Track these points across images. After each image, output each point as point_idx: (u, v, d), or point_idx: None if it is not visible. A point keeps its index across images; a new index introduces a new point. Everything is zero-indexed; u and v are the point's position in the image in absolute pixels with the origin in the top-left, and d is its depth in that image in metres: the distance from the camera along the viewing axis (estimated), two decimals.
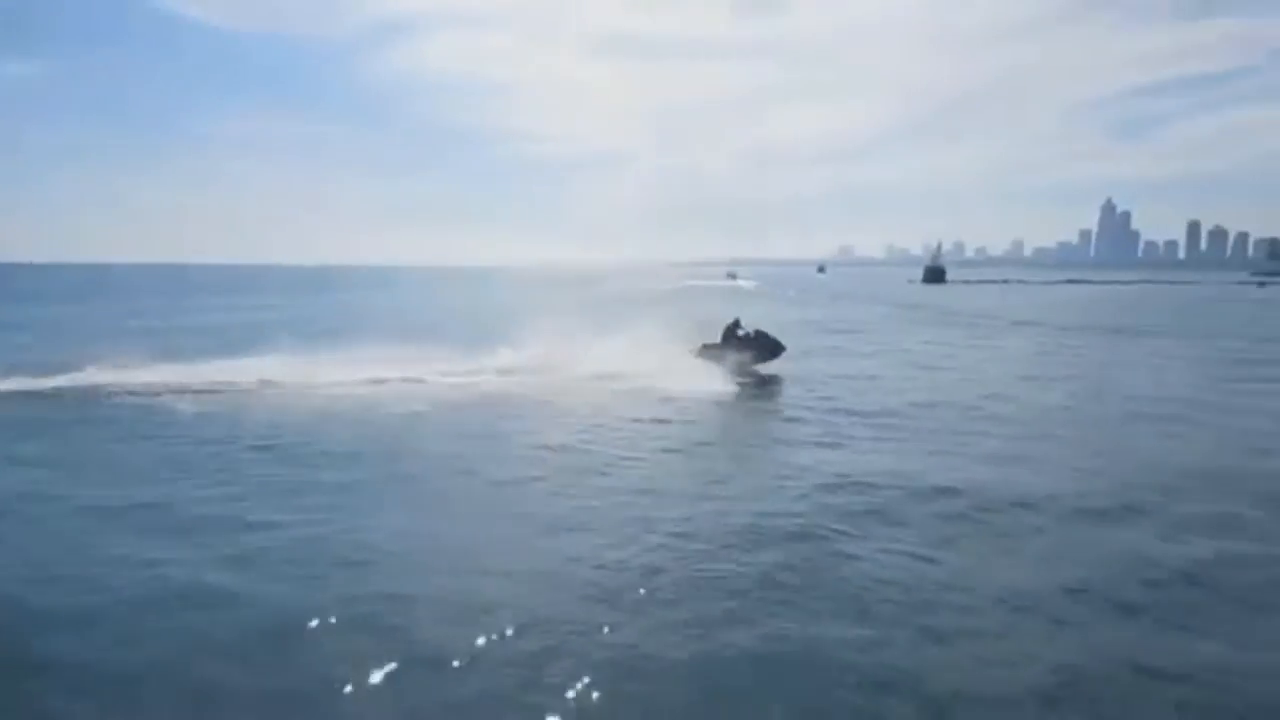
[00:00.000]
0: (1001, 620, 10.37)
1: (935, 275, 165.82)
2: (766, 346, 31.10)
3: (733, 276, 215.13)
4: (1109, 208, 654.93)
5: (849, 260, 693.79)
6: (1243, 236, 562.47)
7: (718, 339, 30.65)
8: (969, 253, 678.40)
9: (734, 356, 29.66)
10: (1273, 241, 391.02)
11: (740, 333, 30.92)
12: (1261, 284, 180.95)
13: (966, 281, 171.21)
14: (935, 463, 18.06)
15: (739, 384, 27.91)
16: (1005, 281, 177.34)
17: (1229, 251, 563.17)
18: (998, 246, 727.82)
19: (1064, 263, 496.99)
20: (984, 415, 24.06)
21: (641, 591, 10.94)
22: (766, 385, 29.11)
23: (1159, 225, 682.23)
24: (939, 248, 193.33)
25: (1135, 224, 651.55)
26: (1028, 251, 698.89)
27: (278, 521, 13.57)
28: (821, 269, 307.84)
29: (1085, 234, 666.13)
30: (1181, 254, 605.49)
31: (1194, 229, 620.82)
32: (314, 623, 9.84)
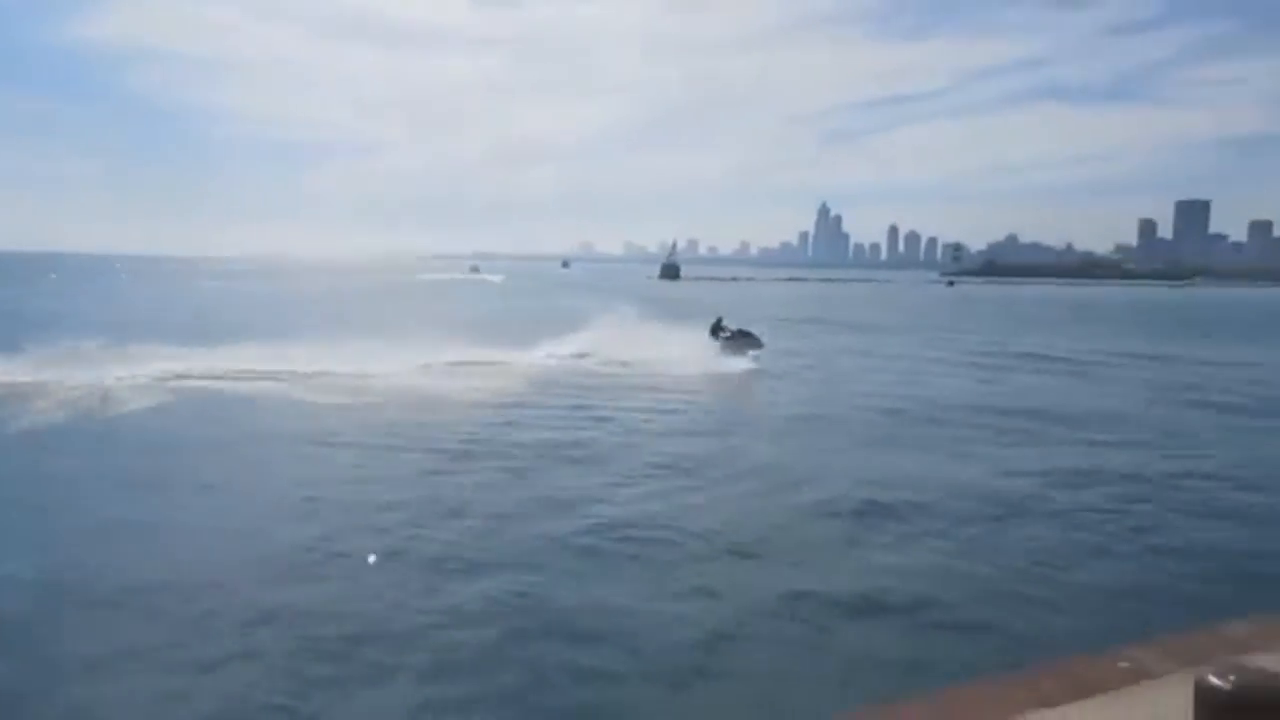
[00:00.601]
0: None
1: (671, 272, 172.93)
2: (750, 340, 36.94)
3: (476, 270, 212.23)
4: (824, 212, 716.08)
5: (590, 256, 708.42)
6: (933, 240, 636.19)
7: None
8: (701, 251, 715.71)
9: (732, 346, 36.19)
10: (956, 245, 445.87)
11: (723, 331, 37.22)
12: (950, 283, 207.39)
13: (700, 279, 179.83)
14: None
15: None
16: (735, 279, 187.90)
17: (922, 254, 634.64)
18: (727, 246, 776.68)
19: (786, 262, 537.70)
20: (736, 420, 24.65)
21: None
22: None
23: (866, 228, 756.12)
24: (674, 246, 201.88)
25: (846, 227, 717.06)
26: (754, 251, 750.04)
27: None
28: (566, 264, 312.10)
29: (804, 236, 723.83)
30: (884, 255, 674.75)
31: (893, 233, 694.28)
32: None
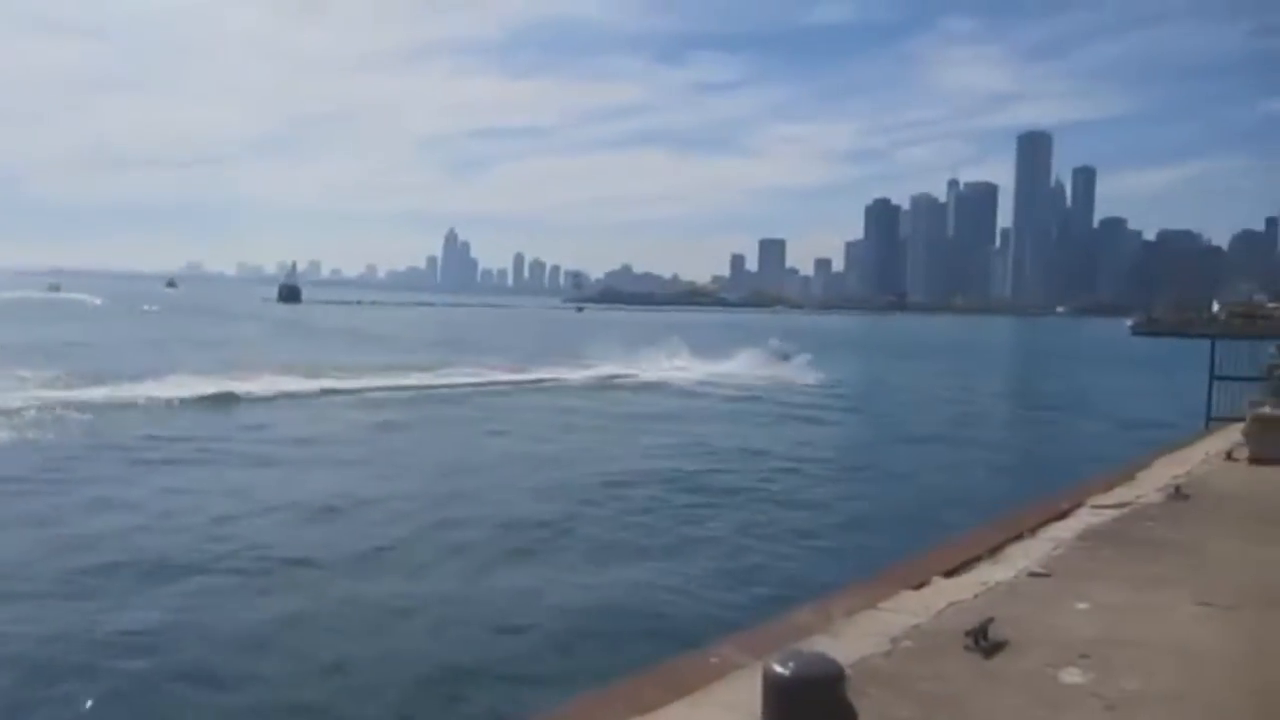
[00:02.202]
0: None
1: (290, 294, 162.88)
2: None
3: (56, 289, 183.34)
4: (452, 237, 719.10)
5: (198, 275, 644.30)
6: (556, 268, 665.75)
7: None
8: (325, 273, 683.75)
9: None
10: (577, 273, 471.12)
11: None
12: (580, 309, 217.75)
13: (323, 302, 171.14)
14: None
15: None
16: (359, 302, 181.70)
17: (546, 280, 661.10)
18: (353, 268, 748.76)
19: (414, 286, 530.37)
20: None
21: None
22: None
23: (493, 255, 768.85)
24: (293, 267, 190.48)
25: (474, 253, 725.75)
26: (381, 274, 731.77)
27: None
28: (172, 284, 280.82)
29: (432, 260, 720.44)
30: (510, 281, 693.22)
31: (519, 260, 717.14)
32: None
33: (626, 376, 45.63)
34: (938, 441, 30.56)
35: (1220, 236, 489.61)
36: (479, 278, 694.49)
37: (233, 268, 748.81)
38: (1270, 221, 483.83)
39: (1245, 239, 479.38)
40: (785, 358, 53.11)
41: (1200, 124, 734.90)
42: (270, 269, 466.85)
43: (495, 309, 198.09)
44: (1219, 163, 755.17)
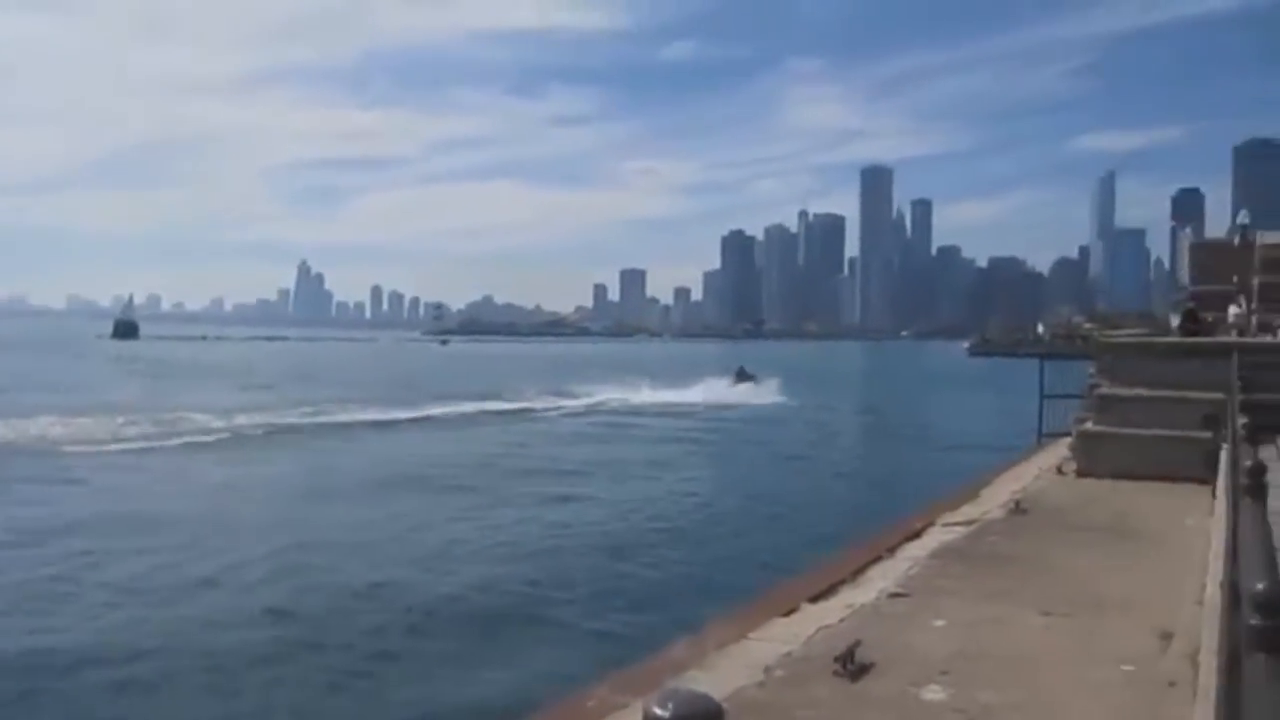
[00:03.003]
0: None
1: (127, 330, 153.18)
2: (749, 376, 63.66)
3: None
4: (305, 269, 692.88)
5: (23, 310, 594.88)
6: (415, 299, 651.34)
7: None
8: (166, 307, 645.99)
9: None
10: (438, 305, 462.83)
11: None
12: (444, 342, 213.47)
13: (164, 337, 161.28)
14: None
15: None
16: (204, 338, 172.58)
17: (405, 312, 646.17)
18: (198, 302, 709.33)
19: (265, 320, 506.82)
20: None
21: None
22: None
23: (349, 287, 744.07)
24: (130, 300, 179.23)
25: (329, 285, 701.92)
26: (229, 308, 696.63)
27: None
28: None
29: (284, 293, 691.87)
30: (368, 314, 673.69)
31: (376, 292, 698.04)
32: None
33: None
34: (802, 461, 31.74)
35: (1042, 263, 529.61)
36: (334, 310, 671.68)
37: (62, 301, 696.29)
38: (1082, 249, 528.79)
39: (1063, 265, 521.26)
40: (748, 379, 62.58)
41: (1019, 159, 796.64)
42: (105, 303, 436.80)
43: (353, 342, 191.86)
44: (1037, 195, 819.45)
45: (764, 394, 56.64)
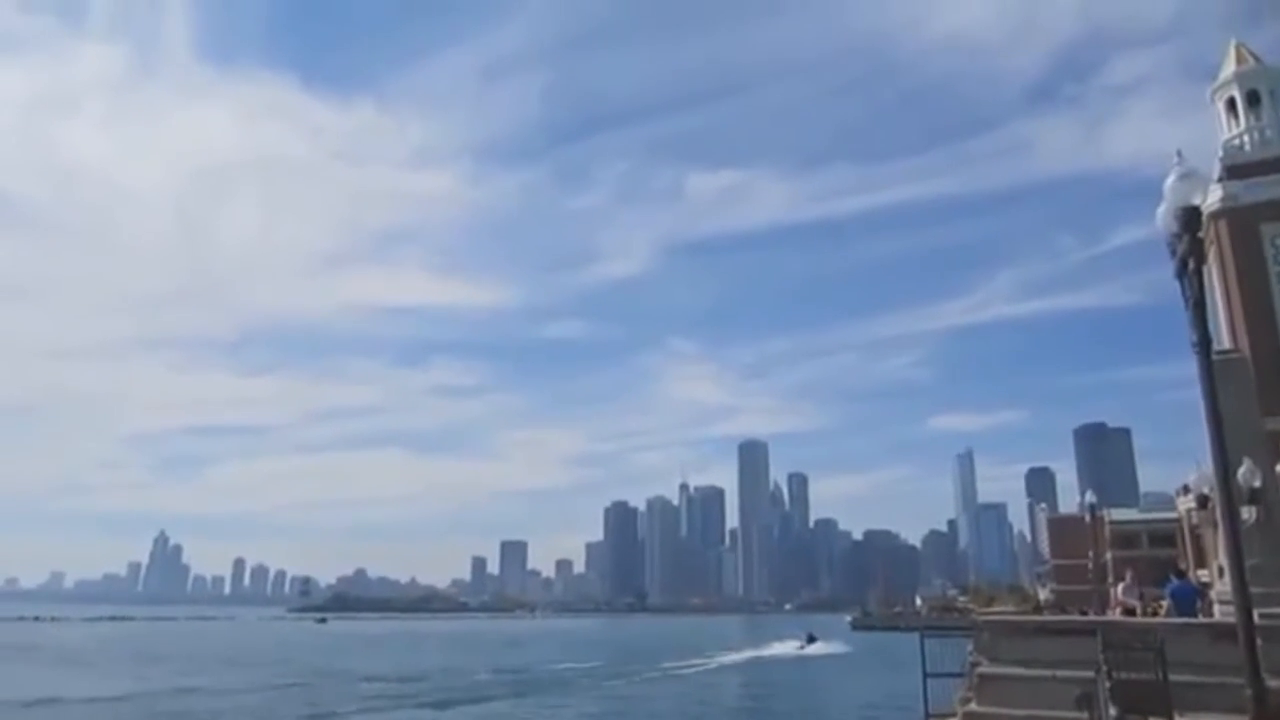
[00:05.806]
0: None
1: None
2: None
3: None
4: (162, 540, 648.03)
5: None
6: (281, 573, 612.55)
7: None
8: None
9: None
10: (306, 579, 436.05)
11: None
12: (322, 620, 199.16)
13: None
14: None
15: None
16: (36, 619, 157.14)
17: (269, 587, 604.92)
18: (34, 578, 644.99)
19: (111, 597, 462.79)
20: None
21: None
22: None
23: (209, 560, 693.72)
24: None
25: (186, 558, 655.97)
26: (70, 584, 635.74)
27: None
28: None
29: (135, 566, 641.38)
30: (228, 588, 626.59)
31: (239, 565, 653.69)
32: None
33: None
34: None
35: (914, 535, 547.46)
36: (190, 585, 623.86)
37: None
38: (950, 523, 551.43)
39: (934, 537, 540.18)
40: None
41: (882, 436, 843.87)
42: None
43: (209, 621, 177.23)
44: (902, 470, 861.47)
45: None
